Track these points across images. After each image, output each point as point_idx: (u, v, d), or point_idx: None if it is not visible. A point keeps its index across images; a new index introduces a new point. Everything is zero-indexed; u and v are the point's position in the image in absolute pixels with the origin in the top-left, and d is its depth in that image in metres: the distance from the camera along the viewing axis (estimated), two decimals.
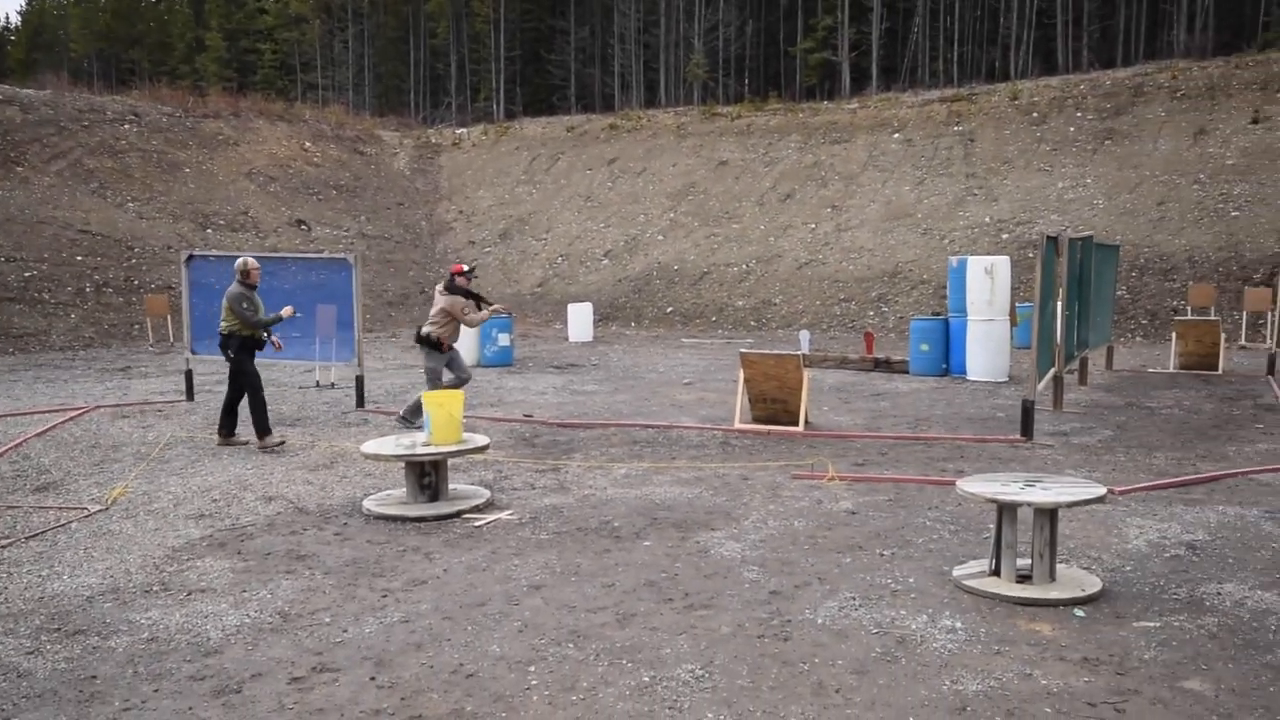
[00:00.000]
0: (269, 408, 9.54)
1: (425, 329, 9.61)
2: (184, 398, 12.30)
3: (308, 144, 32.11)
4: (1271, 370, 13.84)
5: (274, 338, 9.52)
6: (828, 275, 24.51)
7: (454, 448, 7.07)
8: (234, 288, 9.33)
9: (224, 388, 9.74)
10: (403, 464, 7.13)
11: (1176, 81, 26.48)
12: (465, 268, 10.02)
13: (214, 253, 16.22)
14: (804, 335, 16.86)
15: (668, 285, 26.17)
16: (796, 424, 9.92)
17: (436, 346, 9.57)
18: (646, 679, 4.14)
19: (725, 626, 4.74)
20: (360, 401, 11.89)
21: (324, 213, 29.35)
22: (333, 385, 13.72)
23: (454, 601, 5.13)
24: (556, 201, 31.43)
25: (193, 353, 12.25)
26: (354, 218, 29.90)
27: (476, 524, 6.61)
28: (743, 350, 10.42)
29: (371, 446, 7.26)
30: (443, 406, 7.13)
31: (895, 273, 23.74)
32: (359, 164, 33.00)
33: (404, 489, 7.16)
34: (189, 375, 12.39)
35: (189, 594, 5.32)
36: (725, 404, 11.41)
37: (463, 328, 9.86)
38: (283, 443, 9.37)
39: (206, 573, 5.68)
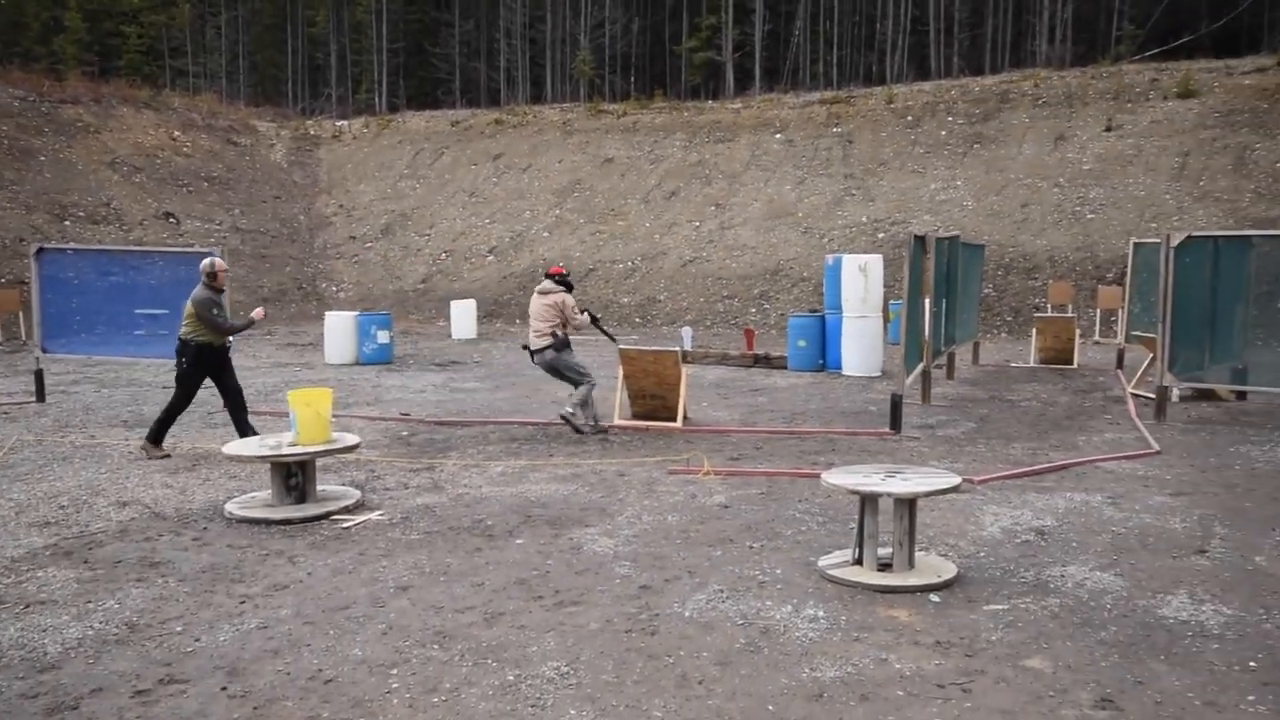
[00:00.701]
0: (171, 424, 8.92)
1: (553, 331, 9.39)
2: (34, 399, 11.62)
3: (177, 133, 30.74)
4: (1121, 364, 14.67)
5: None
6: (711, 272, 24.83)
7: (322, 447, 6.88)
8: (201, 291, 8.51)
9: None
10: (268, 465, 6.89)
11: (1038, 89, 27.80)
12: (565, 269, 10.00)
13: (71, 245, 15.36)
14: (686, 332, 17.04)
15: None
16: (675, 419, 10.01)
17: (567, 344, 9.53)
18: (511, 678, 4.11)
19: (594, 622, 4.74)
20: None
21: (194, 205, 28.14)
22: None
23: (316, 606, 4.99)
24: (440, 197, 30.94)
25: (44, 351, 11.58)
26: (227, 211, 28.77)
27: (345, 525, 6.44)
28: (621, 347, 10.47)
29: (234, 447, 7.00)
30: (310, 405, 6.92)
31: (777, 270, 24.23)
32: (233, 155, 31.77)
33: (270, 491, 6.92)
34: (39, 375, 11.72)
35: (26, 606, 5.01)
36: (606, 400, 11.42)
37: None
38: (168, 456, 8.71)
39: (48, 583, 5.37)
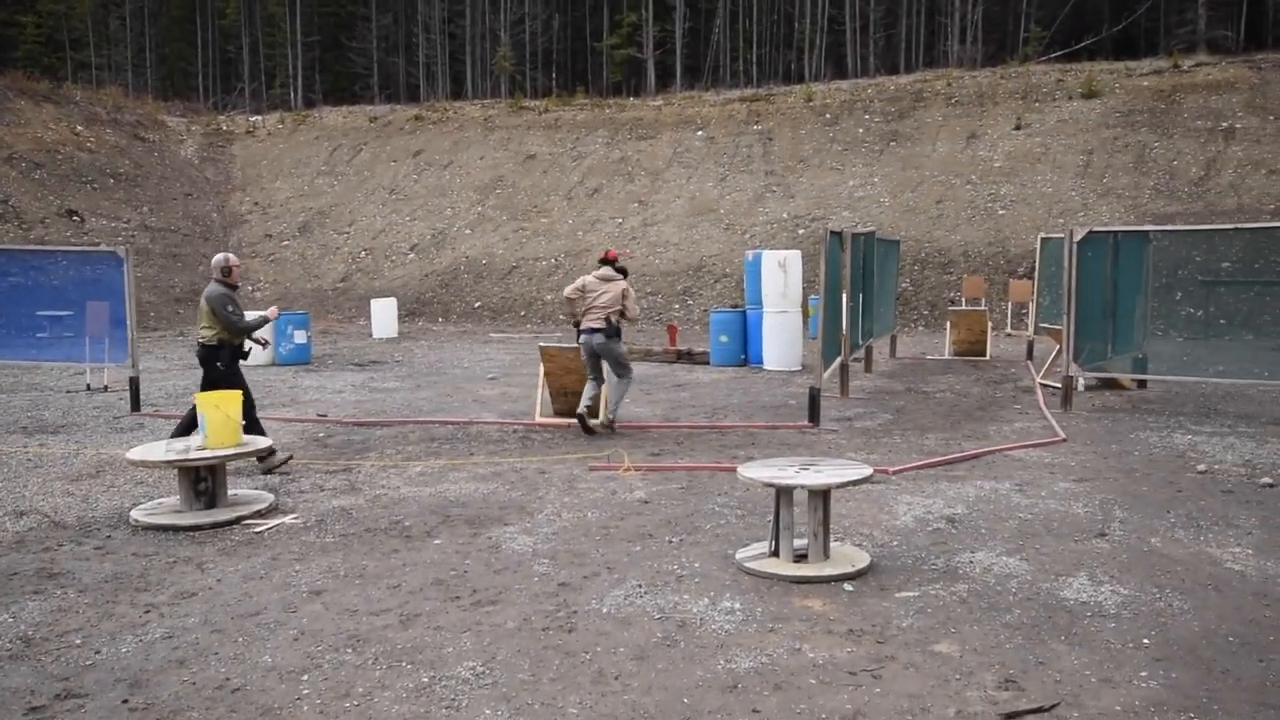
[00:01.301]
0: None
1: (609, 318, 9.34)
2: None
3: (80, 128, 29.62)
4: (1030, 355, 15.13)
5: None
6: (635, 269, 24.84)
7: (231, 451, 6.70)
8: (215, 289, 8.03)
9: None
10: (175, 470, 6.69)
11: (951, 89, 28.49)
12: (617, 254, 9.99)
13: None
14: None
15: (475, 280, 25.86)
16: (597, 416, 9.99)
17: (619, 333, 9.53)
18: (425, 679, 4.06)
19: (511, 621, 4.71)
20: (135, 405, 11.08)
21: (100, 203, 27.16)
22: (105, 388, 12.73)
23: (226, 613, 4.86)
24: (359, 194, 30.42)
25: None
26: (135, 209, 27.83)
27: (257, 530, 6.29)
28: (542, 344, 10.42)
29: (139, 453, 6.77)
30: (219, 408, 6.74)
31: (700, 267, 24.39)
32: (140, 151, 30.74)
33: (178, 497, 6.72)
34: None
35: None
36: (529, 398, 11.38)
37: None
38: (291, 457, 8.21)
39: None
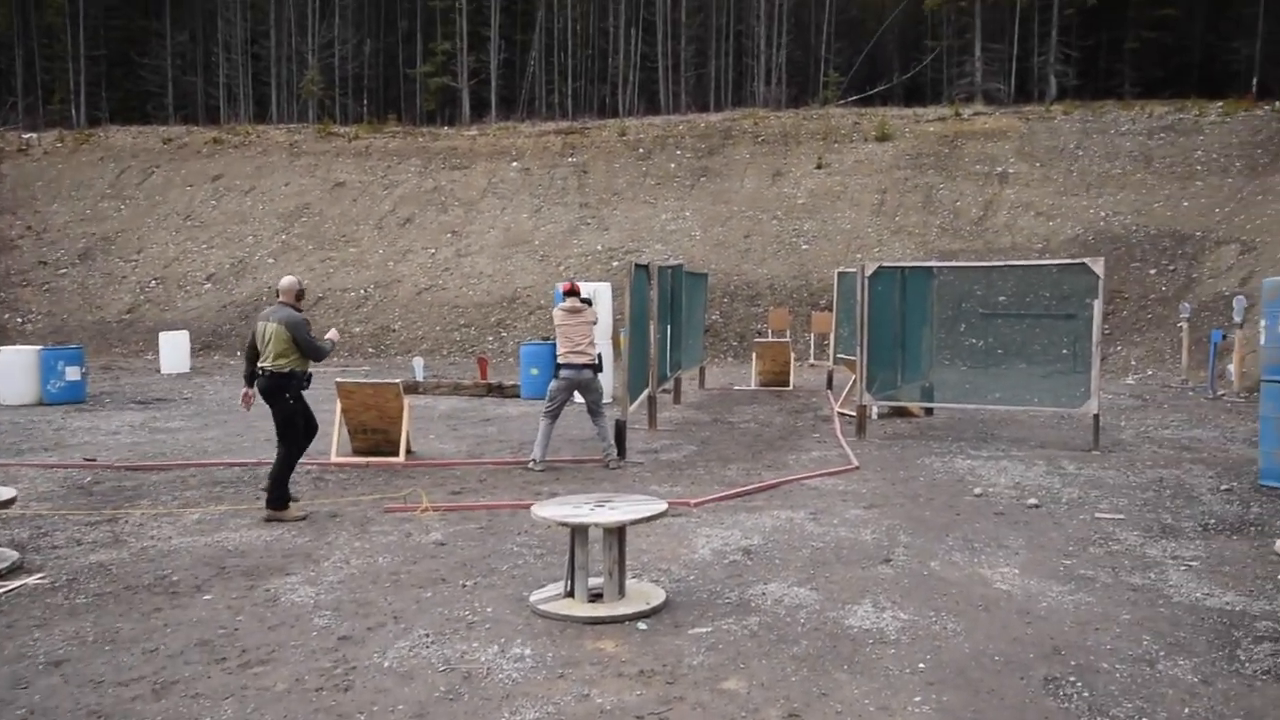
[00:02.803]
0: None
1: (591, 353, 9.10)
2: None
3: None
4: (830, 385, 15.77)
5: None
6: (448, 301, 24.40)
7: None
8: (291, 313, 7.39)
9: None
10: None
11: (758, 128, 29.65)
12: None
13: None
14: (417, 362, 16.60)
15: None
16: (397, 454, 9.63)
17: (602, 367, 9.47)
18: None
19: (281, 683, 4.36)
20: None
21: None
22: None
23: None
24: (150, 219, 28.48)
25: None
26: None
27: None
28: (338, 380, 9.95)
29: None
30: None
31: (514, 298, 24.19)
32: None
33: None
34: None
35: None
36: (325, 436, 10.81)
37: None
38: (304, 518, 7.39)
39: None
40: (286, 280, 7.70)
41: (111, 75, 43.27)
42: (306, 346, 7.43)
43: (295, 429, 7.52)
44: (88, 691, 4.28)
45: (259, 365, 7.43)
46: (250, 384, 7.54)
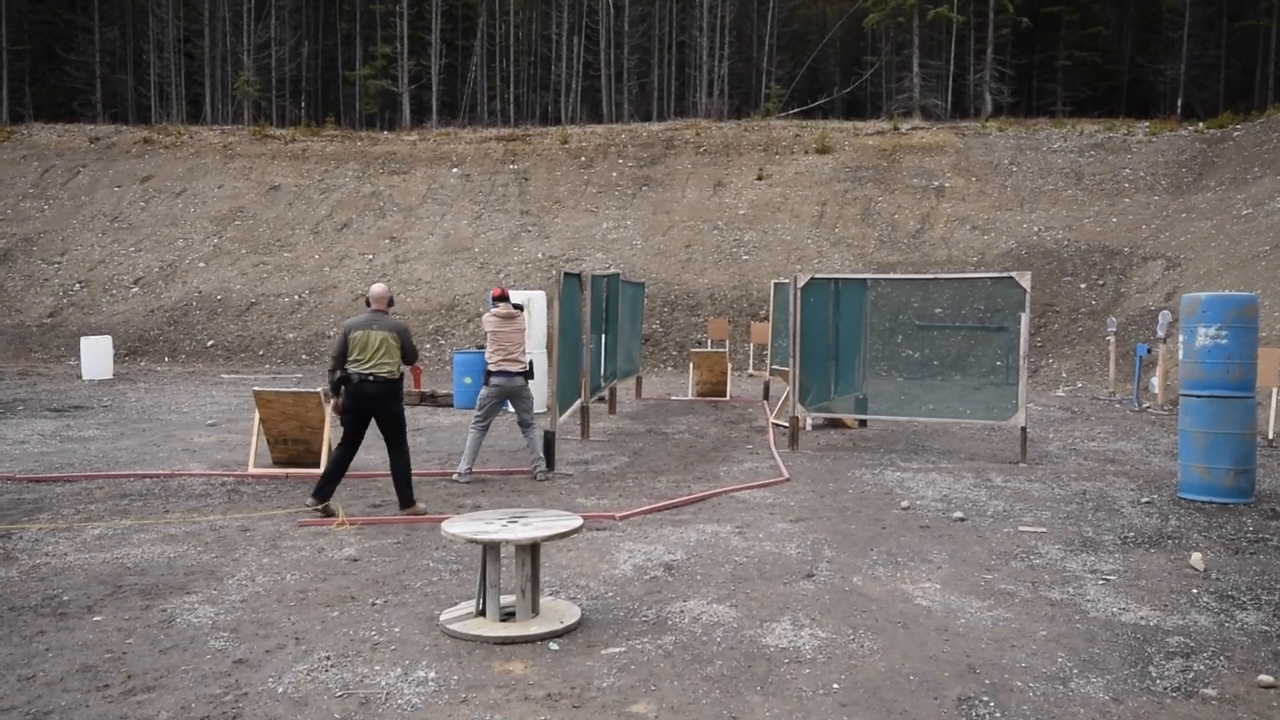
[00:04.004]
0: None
1: (523, 360, 9.12)
2: None
3: None
4: (766, 395, 15.76)
5: None
6: None
7: None
8: (397, 321, 7.62)
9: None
10: None
11: (700, 138, 29.72)
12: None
13: None
14: None
15: (209, 316, 24.02)
16: (318, 465, 9.32)
17: (533, 375, 9.34)
18: None
19: (165, 711, 4.12)
20: None
21: None
22: None
23: None
24: (75, 220, 27.62)
25: None
26: None
27: None
28: (257, 389, 9.63)
29: None
30: None
31: (452, 305, 23.88)
32: None
33: None
34: None
35: None
36: (242, 447, 10.49)
37: None
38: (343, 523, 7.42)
39: None
40: (379, 288, 7.82)
41: (36, 70, 41.96)
42: (413, 352, 7.79)
43: (405, 428, 7.80)
44: None
45: (360, 372, 7.45)
46: (337, 393, 7.59)
